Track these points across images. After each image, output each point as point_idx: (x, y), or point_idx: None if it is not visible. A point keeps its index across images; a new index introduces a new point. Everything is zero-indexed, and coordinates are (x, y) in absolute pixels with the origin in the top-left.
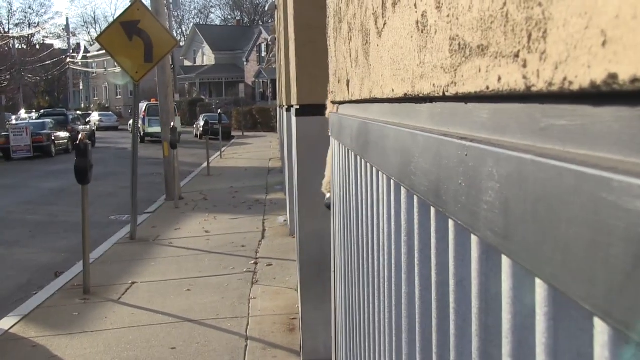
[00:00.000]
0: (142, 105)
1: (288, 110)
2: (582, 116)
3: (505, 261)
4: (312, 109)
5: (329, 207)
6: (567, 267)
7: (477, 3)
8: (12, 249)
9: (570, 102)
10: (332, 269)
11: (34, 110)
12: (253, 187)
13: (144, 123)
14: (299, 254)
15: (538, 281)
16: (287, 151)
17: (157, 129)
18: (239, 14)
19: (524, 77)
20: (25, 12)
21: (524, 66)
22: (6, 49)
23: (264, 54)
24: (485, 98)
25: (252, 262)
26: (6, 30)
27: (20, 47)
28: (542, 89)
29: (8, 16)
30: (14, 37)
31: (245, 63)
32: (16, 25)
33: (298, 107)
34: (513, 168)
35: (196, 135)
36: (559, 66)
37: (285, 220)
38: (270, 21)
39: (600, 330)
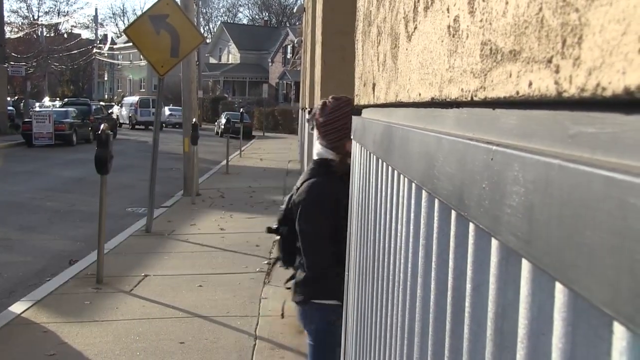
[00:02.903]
0: (135, 98)
1: (310, 112)
2: (613, 124)
3: (526, 265)
4: None
5: None
6: (590, 271)
7: (512, 8)
8: (30, 234)
9: (602, 110)
10: (346, 272)
11: (58, 99)
12: (271, 187)
13: (135, 113)
14: None
15: (558, 286)
16: (307, 154)
17: (145, 119)
18: (267, 14)
19: (556, 83)
20: (56, 1)
21: (557, 72)
22: (34, 36)
23: (289, 55)
24: (514, 104)
25: (266, 262)
26: (35, 17)
27: (48, 35)
28: (573, 95)
29: (38, 4)
30: (42, 25)
31: (270, 64)
32: (46, 13)
33: None
34: (540, 173)
35: (217, 133)
36: (592, 72)
37: None
38: (297, 23)
39: (620, 337)
